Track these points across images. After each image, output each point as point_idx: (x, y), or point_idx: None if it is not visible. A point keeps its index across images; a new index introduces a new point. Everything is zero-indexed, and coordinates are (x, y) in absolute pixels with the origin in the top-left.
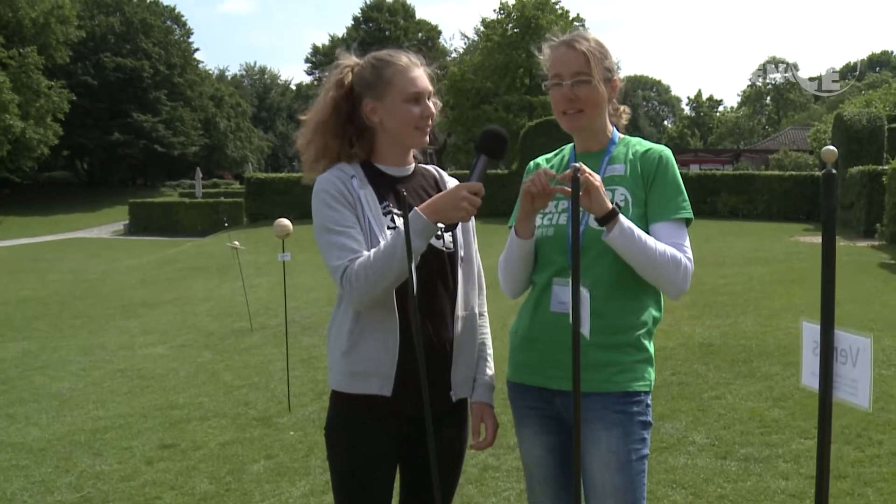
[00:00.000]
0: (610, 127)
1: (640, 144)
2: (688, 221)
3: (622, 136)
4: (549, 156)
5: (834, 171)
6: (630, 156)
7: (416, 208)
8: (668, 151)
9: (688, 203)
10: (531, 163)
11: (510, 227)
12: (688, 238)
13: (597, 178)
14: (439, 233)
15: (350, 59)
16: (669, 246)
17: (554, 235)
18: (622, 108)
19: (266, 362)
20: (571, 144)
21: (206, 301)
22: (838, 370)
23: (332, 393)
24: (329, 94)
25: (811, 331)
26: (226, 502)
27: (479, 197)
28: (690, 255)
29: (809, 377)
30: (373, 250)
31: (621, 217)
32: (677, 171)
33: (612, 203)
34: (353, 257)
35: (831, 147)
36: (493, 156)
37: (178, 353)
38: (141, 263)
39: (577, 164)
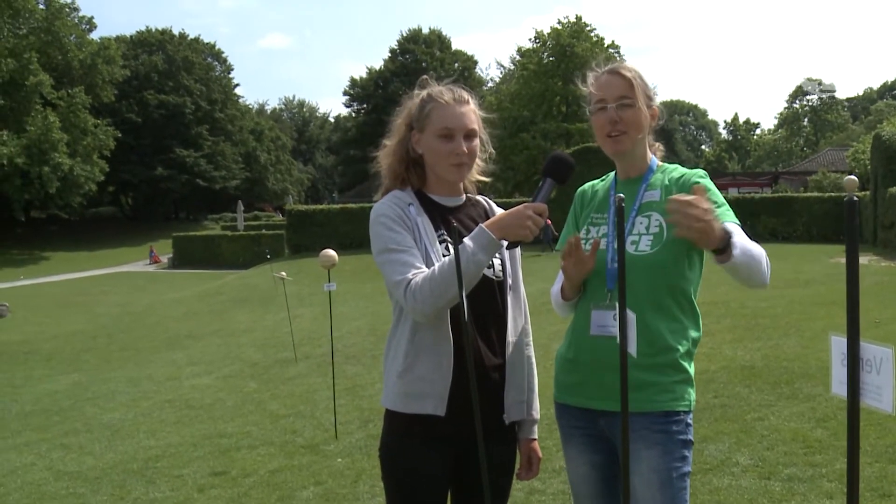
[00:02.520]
0: (649, 155)
1: (675, 171)
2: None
3: (660, 163)
4: (596, 182)
5: (856, 198)
6: (666, 182)
7: (481, 225)
8: (702, 173)
9: (731, 212)
10: (579, 189)
11: (557, 251)
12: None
13: (706, 208)
14: (500, 252)
15: (430, 87)
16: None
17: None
18: (657, 144)
19: (311, 391)
20: (615, 171)
21: (250, 332)
22: (864, 378)
23: (386, 413)
24: (398, 122)
25: (839, 343)
26: None
27: (544, 218)
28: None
29: (838, 386)
30: (437, 264)
31: (734, 239)
32: (715, 188)
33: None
34: (416, 272)
35: (852, 177)
36: (559, 180)
37: (224, 383)
38: (185, 296)
39: (621, 196)
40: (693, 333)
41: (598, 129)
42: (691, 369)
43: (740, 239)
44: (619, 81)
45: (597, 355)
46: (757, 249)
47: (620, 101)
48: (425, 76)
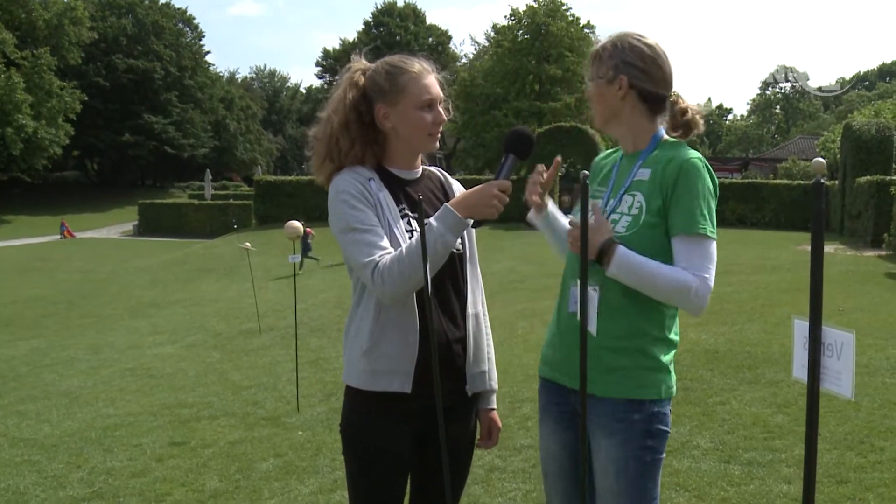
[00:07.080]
0: (649, 130)
1: (674, 150)
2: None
3: (667, 139)
4: (610, 152)
5: (823, 181)
6: (660, 160)
7: (446, 205)
8: (693, 161)
9: (707, 217)
10: (594, 161)
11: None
12: (709, 254)
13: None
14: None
15: (361, 63)
16: (681, 270)
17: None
18: (689, 106)
19: (274, 363)
20: None
21: (215, 302)
22: (825, 363)
23: (347, 389)
24: (348, 96)
25: (801, 327)
26: (235, 499)
27: (508, 195)
28: (708, 274)
29: (800, 370)
30: (404, 246)
31: (617, 253)
32: (701, 182)
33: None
34: (383, 253)
35: (820, 159)
36: (520, 155)
37: (186, 352)
38: (150, 264)
39: (585, 172)
40: (670, 321)
41: None
42: (665, 357)
43: (646, 264)
44: (589, 59)
45: (573, 332)
46: (674, 281)
47: (589, 79)
48: (354, 54)
